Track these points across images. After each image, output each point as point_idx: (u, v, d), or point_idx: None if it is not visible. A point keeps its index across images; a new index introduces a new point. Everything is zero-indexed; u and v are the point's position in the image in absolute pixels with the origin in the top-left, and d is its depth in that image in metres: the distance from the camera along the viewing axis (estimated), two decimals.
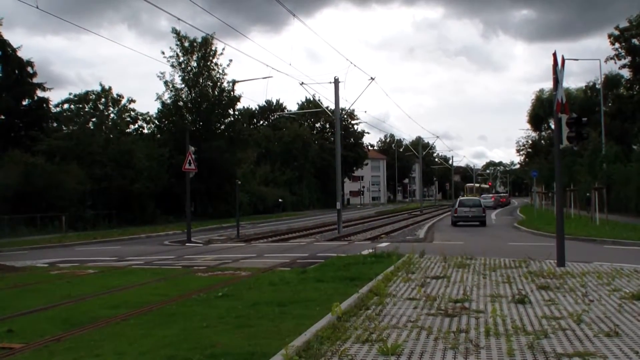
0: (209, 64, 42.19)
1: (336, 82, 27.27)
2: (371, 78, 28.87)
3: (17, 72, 36.93)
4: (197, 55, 41.76)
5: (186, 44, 41.30)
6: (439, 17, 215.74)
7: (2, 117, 37.13)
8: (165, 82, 41.46)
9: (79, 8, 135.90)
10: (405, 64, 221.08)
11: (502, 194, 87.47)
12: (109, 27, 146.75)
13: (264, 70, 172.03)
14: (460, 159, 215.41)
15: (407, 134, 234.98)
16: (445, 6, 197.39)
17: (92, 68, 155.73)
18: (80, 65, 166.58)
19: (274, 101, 78.81)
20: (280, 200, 56.78)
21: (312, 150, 71.40)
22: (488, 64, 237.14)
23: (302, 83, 36.58)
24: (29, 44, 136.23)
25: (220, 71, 42.64)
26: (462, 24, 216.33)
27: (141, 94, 72.67)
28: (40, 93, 38.46)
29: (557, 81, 11.86)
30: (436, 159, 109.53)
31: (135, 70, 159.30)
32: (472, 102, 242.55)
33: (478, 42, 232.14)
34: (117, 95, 40.45)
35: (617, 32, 42.21)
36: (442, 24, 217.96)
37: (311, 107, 66.28)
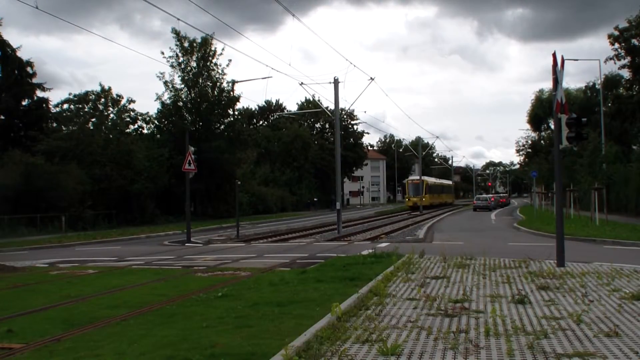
0: (208, 64, 42.12)
1: (336, 82, 27.28)
2: (371, 78, 29.01)
3: (16, 72, 36.93)
4: (196, 56, 41.70)
5: (186, 44, 41.24)
6: (433, 16, 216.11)
7: (2, 117, 37.11)
8: (165, 83, 41.42)
9: (71, 8, 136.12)
10: (401, 64, 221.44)
11: (501, 195, 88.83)
12: (102, 27, 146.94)
13: (262, 70, 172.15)
14: (460, 160, 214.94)
15: (405, 134, 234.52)
16: (440, 5, 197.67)
17: (87, 68, 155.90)
18: (75, 65, 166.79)
19: (274, 101, 78.93)
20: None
21: (311, 151, 71.38)
22: (483, 63, 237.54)
23: (302, 83, 36.69)
24: (22, 44, 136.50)
25: (220, 71, 42.62)
26: (456, 23, 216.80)
27: (138, 94, 72.88)
28: (39, 93, 38.54)
29: (556, 81, 11.87)
30: (436, 159, 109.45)
31: (130, 71, 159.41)
32: (468, 102, 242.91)
33: (473, 42, 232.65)
34: (117, 95, 40.48)
35: (616, 33, 42.22)
36: (435, 23, 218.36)
37: (311, 107, 66.25)
